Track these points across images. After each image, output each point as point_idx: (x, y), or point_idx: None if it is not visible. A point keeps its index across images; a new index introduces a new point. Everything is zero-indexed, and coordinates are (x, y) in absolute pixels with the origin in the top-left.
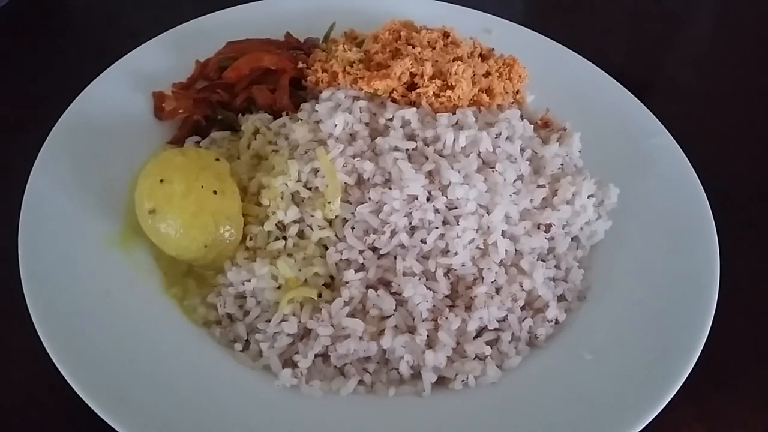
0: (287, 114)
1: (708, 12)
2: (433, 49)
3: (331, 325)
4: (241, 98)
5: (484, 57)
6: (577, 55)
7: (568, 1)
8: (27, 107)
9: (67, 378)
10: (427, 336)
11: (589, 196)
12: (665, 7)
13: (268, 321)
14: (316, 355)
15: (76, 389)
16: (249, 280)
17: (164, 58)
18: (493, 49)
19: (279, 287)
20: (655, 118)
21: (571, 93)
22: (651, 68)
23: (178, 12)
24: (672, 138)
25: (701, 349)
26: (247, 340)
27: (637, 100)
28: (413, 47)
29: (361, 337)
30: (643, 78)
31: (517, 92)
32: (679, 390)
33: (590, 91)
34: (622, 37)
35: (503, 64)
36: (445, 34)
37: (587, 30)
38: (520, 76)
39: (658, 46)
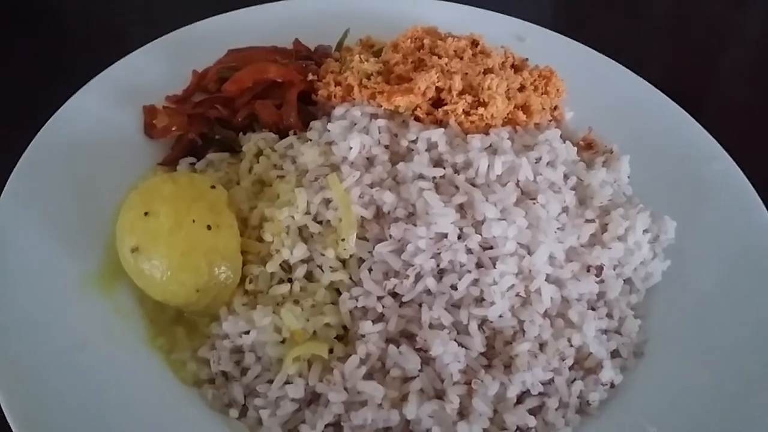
0: (295, 133)
1: (756, 15)
2: (461, 59)
3: (345, 389)
4: (242, 114)
5: (516, 68)
6: (620, 65)
7: (605, 4)
8: None
9: None
10: (460, 403)
11: (644, 232)
12: (710, 9)
13: (270, 382)
14: (326, 426)
15: None
16: (248, 332)
17: (156, 68)
18: (527, 59)
19: (283, 341)
20: (713, 139)
21: (616, 109)
22: (699, 79)
23: (173, 15)
24: (734, 162)
25: None
26: (244, 404)
27: (691, 118)
28: (439, 57)
29: (380, 405)
30: (691, 90)
31: (555, 108)
32: None
33: (637, 107)
34: (665, 45)
35: (539, 77)
36: (474, 43)
37: (627, 36)
38: (557, 90)
39: (705, 54)
